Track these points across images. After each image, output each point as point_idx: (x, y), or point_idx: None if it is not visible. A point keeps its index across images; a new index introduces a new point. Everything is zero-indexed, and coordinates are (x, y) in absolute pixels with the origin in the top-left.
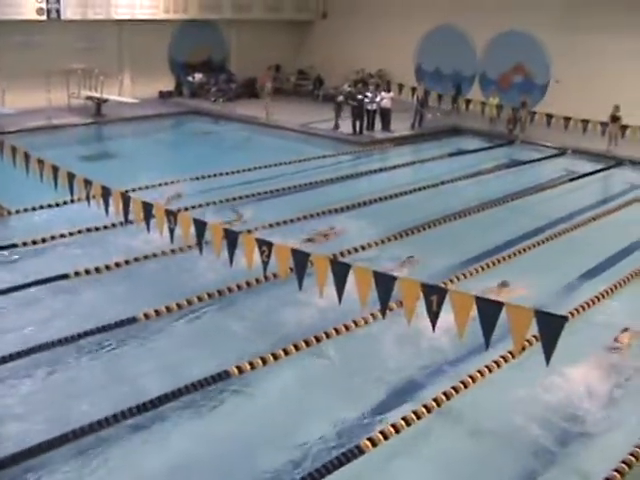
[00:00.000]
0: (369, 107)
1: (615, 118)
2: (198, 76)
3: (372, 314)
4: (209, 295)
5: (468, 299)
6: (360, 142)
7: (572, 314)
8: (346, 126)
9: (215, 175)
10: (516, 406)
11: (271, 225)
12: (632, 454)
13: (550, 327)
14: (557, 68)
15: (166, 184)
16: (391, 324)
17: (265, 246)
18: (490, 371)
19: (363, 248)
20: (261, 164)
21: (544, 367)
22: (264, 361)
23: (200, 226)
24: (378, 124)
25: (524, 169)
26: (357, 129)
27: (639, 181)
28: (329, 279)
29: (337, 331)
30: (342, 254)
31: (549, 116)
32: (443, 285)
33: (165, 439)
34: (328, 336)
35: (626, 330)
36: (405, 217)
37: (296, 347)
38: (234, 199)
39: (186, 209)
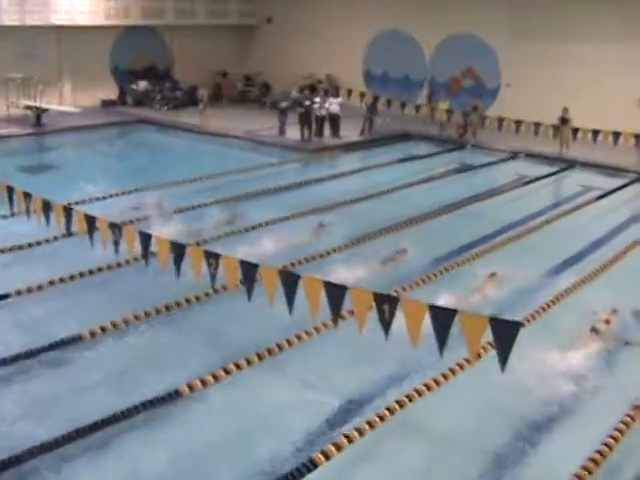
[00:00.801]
0: (317, 113)
1: (564, 120)
2: (142, 84)
3: (324, 324)
4: (157, 310)
5: (420, 307)
6: (308, 149)
7: (528, 319)
8: (294, 133)
9: (159, 186)
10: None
11: (219, 236)
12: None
13: (505, 333)
14: (508, 72)
15: (111, 196)
16: (344, 333)
17: (212, 258)
18: (446, 378)
19: (314, 258)
20: (206, 174)
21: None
22: (215, 377)
23: (145, 238)
24: (327, 130)
25: (476, 174)
26: (305, 136)
27: (591, 183)
28: (279, 290)
29: (289, 342)
30: (292, 264)
31: (500, 120)
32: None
33: (115, 460)
34: (280, 348)
35: None
36: (354, 226)
37: (248, 361)
38: (178, 211)
39: (131, 222)
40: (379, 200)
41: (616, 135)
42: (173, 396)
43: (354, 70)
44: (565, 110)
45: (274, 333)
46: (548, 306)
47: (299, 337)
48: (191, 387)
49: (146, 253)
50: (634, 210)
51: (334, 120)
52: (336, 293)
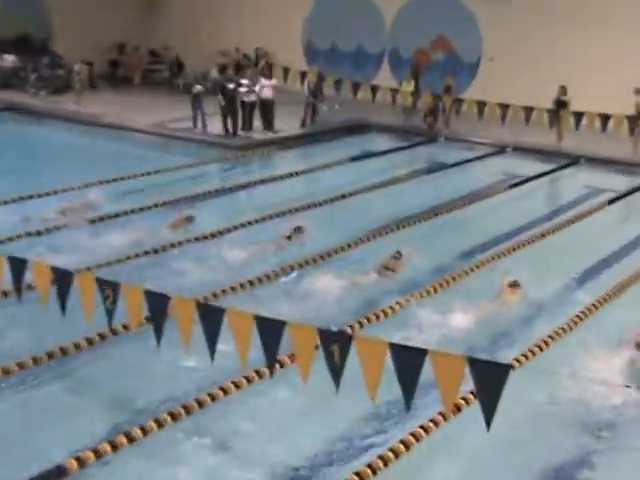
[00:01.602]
0: (245, 99)
1: (562, 103)
2: (10, 59)
3: (257, 372)
4: (35, 360)
5: (379, 346)
6: (234, 146)
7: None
8: (216, 125)
9: (32, 197)
10: None
11: (119, 261)
12: None
13: (490, 378)
14: (491, 42)
15: None
16: (285, 383)
17: (108, 288)
18: (418, 439)
19: (242, 286)
20: (97, 179)
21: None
22: (114, 446)
23: (18, 264)
24: (258, 121)
25: (451, 174)
26: (230, 129)
27: (600, 183)
28: (198, 329)
29: (213, 397)
30: (215, 295)
31: (481, 104)
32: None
33: None
34: (201, 405)
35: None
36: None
37: (158, 423)
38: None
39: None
40: (325, 210)
41: (633, 120)
42: (55, 475)
43: (292, 43)
44: (563, 90)
45: (192, 386)
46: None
47: (225, 391)
48: (80, 461)
49: (19, 284)
50: None
51: (267, 108)
52: (271, 330)
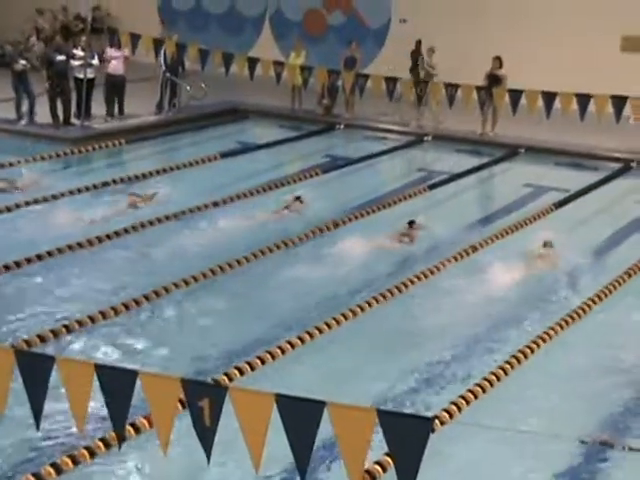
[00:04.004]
0: (79, 75)
1: (496, 78)
2: None
3: (104, 441)
4: None
5: (264, 399)
6: (68, 139)
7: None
8: (45, 111)
9: None
10: None
11: None
12: None
13: (407, 436)
14: (403, 2)
15: None
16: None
17: None
18: None
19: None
20: None
21: None
22: None
23: None
24: (100, 106)
25: (354, 172)
26: (60, 116)
27: (544, 180)
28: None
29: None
30: None
31: (391, 80)
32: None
33: None
34: None
35: None
36: (110, 277)
37: None
38: None
39: None
40: (170, 227)
41: (583, 100)
42: None
43: (143, 2)
44: (497, 61)
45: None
46: None
47: (57, 469)
48: None
49: None
50: (616, 223)
51: (117, 87)
52: (118, 383)
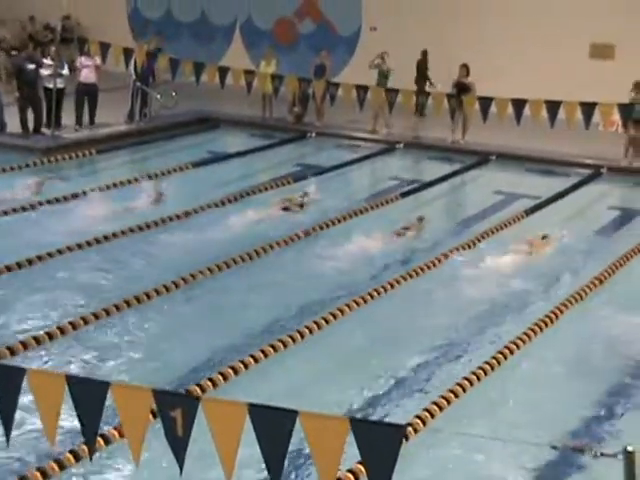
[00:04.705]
0: (48, 84)
1: (463, 86)
2: None
3: (73, 452)
4: None
5: (237, 409)
6: (38, 149)
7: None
8: (13, 122)
9: None
10: None
11: None
12: None
13: (380, 444)
14: (374, 8)
15: None
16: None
17: None
18: None
19: None
20: None
21: None
22: None
23: None
24: (70, 116)
25: (326, 180)
26: (30, 125)
27: (515, 187)
28: None
29: None
30: None
31: (362, 89)
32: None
33: None
34: None
35: None
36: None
37: None
38: None
39: None
40: (131, 240)
41: (553, 107)
42: None
43: (112, 11)
44: (464, 69)
45: None
46: None
47: None
48: None
49: None
50: (588, 229)
51: (91, 96)
52: (89, 394)
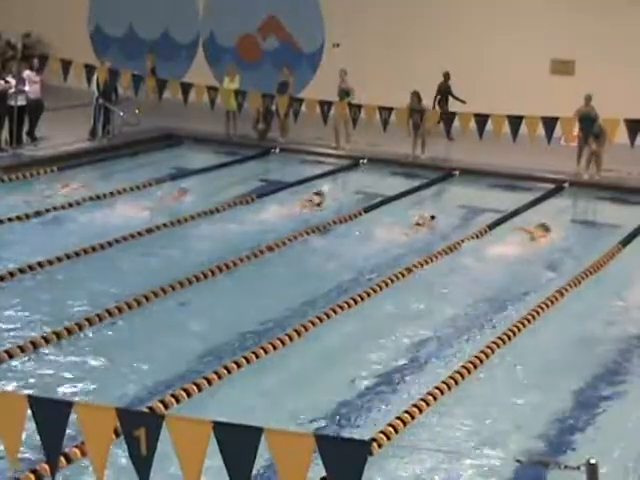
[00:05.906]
0: (11, 102)
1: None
2: None
3: (35, 472)
4: None
5: (201, 427)
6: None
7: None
8: None
9: None
10: None
11: None
12: None
13: (345, 460)
14: (335, 24)
15: None
16: None
17: None
18: None
19: None
20: None
21: None
22: None
23: None
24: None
25: (290, 196)
26: None
27: (478, 202)
28: None
29: None
30: None
31: (326, 105)
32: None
33: None
34: None
35: None
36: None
37: None
38: None
39: None
40: (115, 253)
41: (515, 122)
42: None
43: (74, 28)
44: (415, 98)
45: None
46: None
47: None
48: None
49: None
50: (551, 243)
51: (36, 112)
52: (51, 414)
